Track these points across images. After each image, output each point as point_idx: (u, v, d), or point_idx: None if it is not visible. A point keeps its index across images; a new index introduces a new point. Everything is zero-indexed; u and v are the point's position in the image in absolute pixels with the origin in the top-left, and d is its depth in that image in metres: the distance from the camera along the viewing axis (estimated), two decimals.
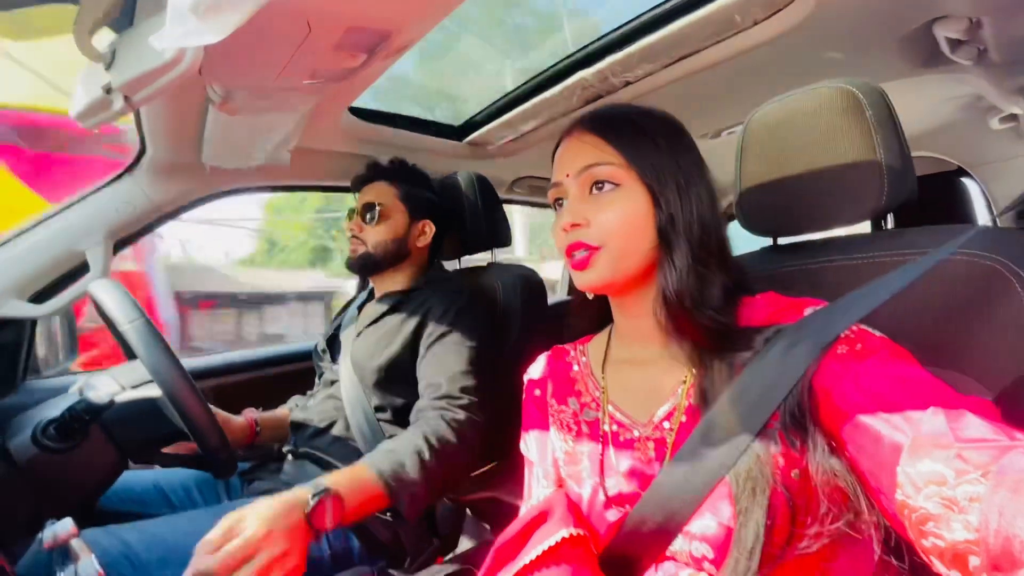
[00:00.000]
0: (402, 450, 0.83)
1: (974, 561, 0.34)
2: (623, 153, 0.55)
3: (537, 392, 0.70)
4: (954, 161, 1.93)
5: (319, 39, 0.65)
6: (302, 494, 0.68)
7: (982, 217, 1.88)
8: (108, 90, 0.54)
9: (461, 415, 0.92)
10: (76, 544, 0.57)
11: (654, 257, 0.57)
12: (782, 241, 0.83)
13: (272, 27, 0.60)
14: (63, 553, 0.57)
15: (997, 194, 1.83)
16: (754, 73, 1.08)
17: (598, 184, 0.56)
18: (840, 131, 0.70)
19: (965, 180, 1.92)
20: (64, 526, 0.57)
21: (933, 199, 1.92)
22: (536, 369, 0.72)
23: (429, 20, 0.71)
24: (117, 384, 0.82)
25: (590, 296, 0.64)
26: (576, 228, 0.56)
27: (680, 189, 0.55)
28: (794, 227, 0.78)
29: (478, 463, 0.96)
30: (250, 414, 1.15)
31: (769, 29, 0.93)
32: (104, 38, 0.55)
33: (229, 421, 1.09)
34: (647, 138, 0.56)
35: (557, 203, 0.62)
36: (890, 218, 0.76)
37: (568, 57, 1.16)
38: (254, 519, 0.62)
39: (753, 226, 0.81)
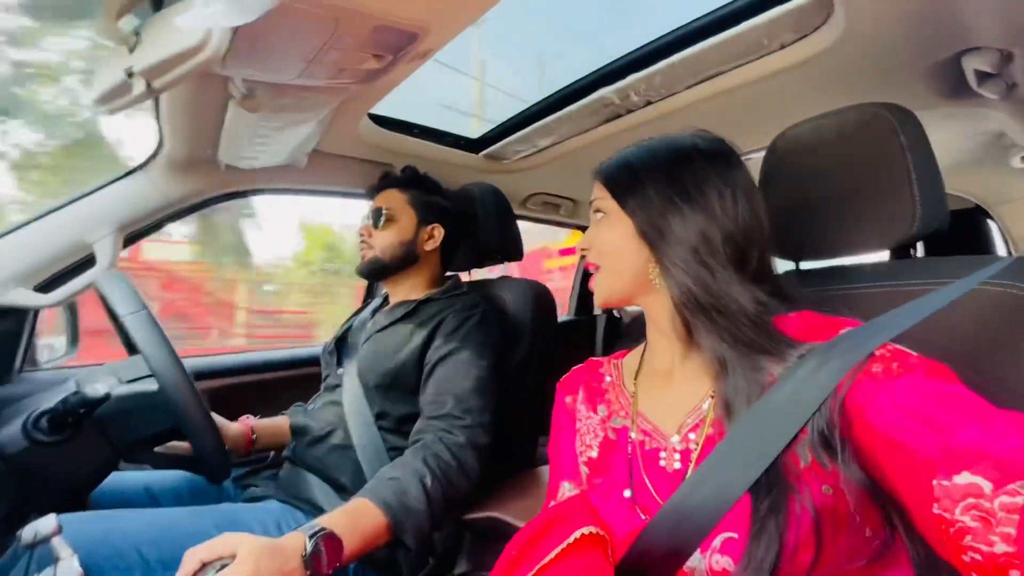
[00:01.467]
0: (405, 478, 0.81)
1: (1015, 575, 0.33)
2: (610, 190, 0.63)
3: (568, 399, 0.71)
4: (972, 199, 1.92)
5: (346, 36, 0.64)
6: (298, 539, 0.65)
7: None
8: (130, 74, 0.53)
9: (461, 438, 0.90)
10: (57, 543, 0.54)
11: (651, 269, 0.60)
12: (805, 265, 0.80)
13: (300, 20, 0.59)
14: (44, 553, 0.54)
15: (1016, 233, 1.81)
16: (778, 97, 1.07)
17: (596, 211, 0.65)
18: (871, 154, 0.68)
19: (983, 218, 1.90)
20: (46, 523, 0.54)
21: (951, 237, 1.90)
22: (570, 377, 0.74)
23: (457, 23, 0.71)
24: (115, 379, 0.79)
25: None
26: (584, 251, 0.66)
27: (668, 208, 0.58)
28: (819, 251, 0.76)
29: (481, 486, 0.93)
30: (247, 421, 1.13)
31: (796, 53, 0.93)
32: (130, 22, 0.55)
33: (225, 427, 1.06)
34: (635, 176, 0.62)
35: None
36: (920, 246, 0.74)
37: (591, 74, 1.16)
38: (245, 555, 0.59)
39: (776, 249, 0.79)
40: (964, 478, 0.37)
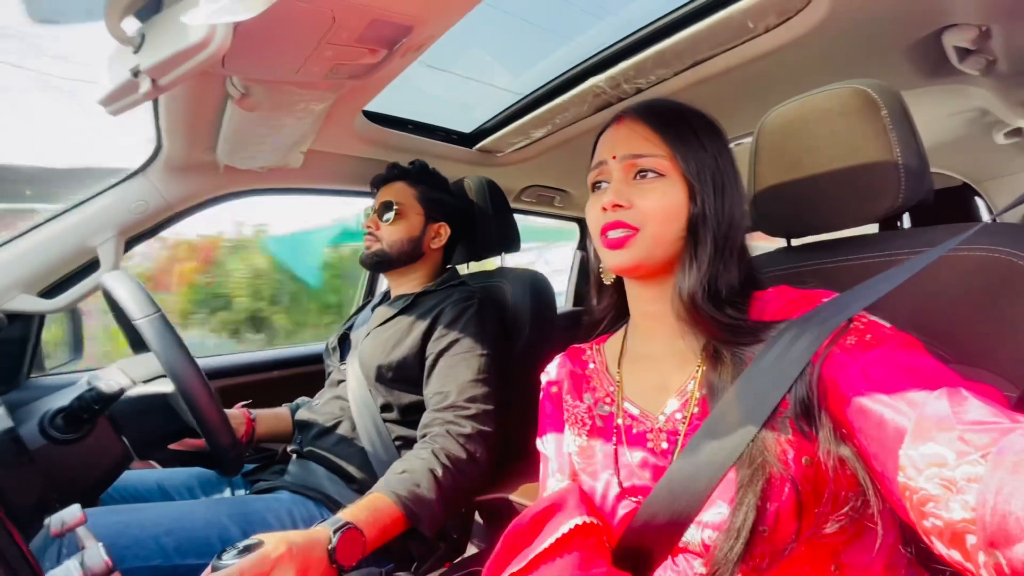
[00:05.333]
0: (416, 470, 0.84)
1: (971, 539, 0.35)
2: (671, 146, 0.58)
3: (553, 389, 0.71)
4: (959, 176, 1.95)
5: (342, 31, 0.66)
6: (323, 532, 0.68)
7: None
8: (136, 73, 0.55)
9: (468, 428, 0.92)
10: (82, 532, 0.56)
11: (680, 248, 0.58)
12: (796, 242, 0.83)
13: (298, 16, 0.60)
14: (70, 541, 0.55)
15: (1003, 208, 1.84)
16: (765, 80, 1.09)
17: (642, 172, 0.59)
18: (855, 131, 0.70)
19: (971, 195, 1.93)
20: (72, 513, 0.56)
21: (941, 213, 1.94)
22: (553, 367, 0.73)
23: (451, 15, 0.72)
24: (126, 376, 0.81)
25: (607, 282, 0.67)
26: (618, 209, 0.58)
27: (716, 187, 0.58)
28: (809, 227, 0.78)
29: (490, 473, 0.95)
30: (241, 408, 1.14)
31: (781, 36, 0.95)
32: (133, 22, 0.56)
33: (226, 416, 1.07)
34: (694, 135, 0.59)
35: (596, 185, 0.63)
36: (906, 218, 0.76)
37: (580, 64, 1.18)
38: (279, 540, 0.63)
39: (767, 227, 0.81)
40: (929, 448, 0.38)
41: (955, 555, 0.36)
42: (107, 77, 0.60)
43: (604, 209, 0.59)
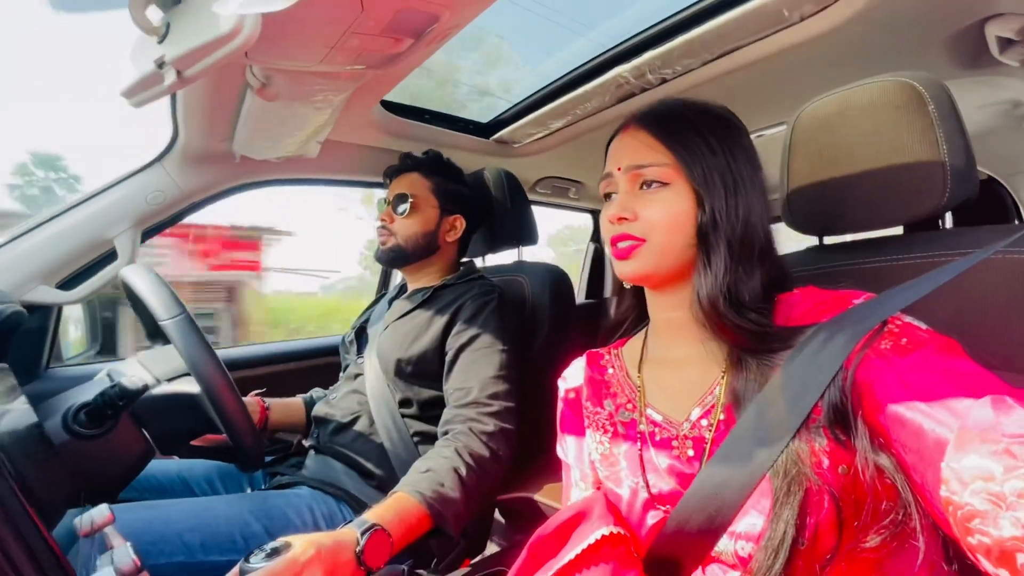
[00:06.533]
0: (439, 469, 0.82)
1: (1022, 558, 0.33)
2: (674, 153, 0.57)
3: (572, 396, 0.70)
4: (984, 170, 1.90)
5: (369, 19, 0.64)
6: (350, 533, 0.68)
7: None
8: (160, 64, 0.53)
9: (490, 425, 0.90)
10: (110, 531, 0.56)
11: (693, 255, 0.57)
12: (828, 240, 0.80)
13: (325, 5, 0.58)
14: (99, 540, 0.55)
15: None
16: (797, 70, 1.06)
17: (647, 182, 0.58)
18: (899, 126, 0.67)
19: (1000, 189, 1.89)
20: (100, 512, 0.56)
21: (973, 208, 1.89)
22: (570, 373, 0.72)
23: (481, 2, 0.70)
24: (148, 372, 0.80)
25: (627, 285, 0.66)
26: (623, 221, 0.58)
27: (728, 190, 0.56)
28: (845, 226, 0.75)
29: (511, 470, 0.94)
30: (255, 396, 1.13)
31: (817, 25, 0.91)
32: (156, 12, 0.54)
33: None
34: (700, 139, 0.57)
35: (607, 196, 0.63)
36: (948, 217, 0.73)
37: (604, 53, 1.15)
38: (307, 543, 0.62)
39: (800, 225, 0.79)
40: (973, 461, 0.36)
41: (1003, 574, 0.35)
42: (131, 68, 0.59)
43: (611, 221, 0.59)
